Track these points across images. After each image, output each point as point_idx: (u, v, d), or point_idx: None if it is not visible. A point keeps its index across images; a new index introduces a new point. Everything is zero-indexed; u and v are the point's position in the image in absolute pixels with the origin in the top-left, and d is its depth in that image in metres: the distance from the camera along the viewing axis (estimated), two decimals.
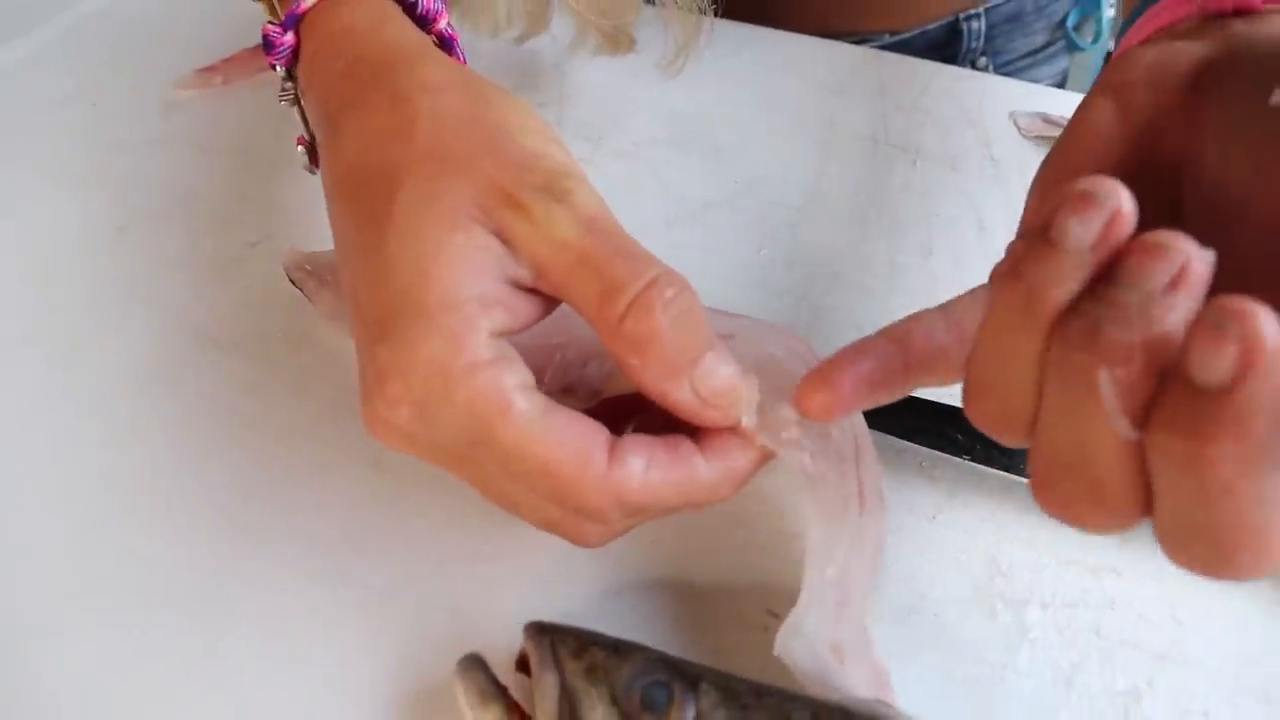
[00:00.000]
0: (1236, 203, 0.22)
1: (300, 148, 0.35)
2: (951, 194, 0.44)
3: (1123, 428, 0.18)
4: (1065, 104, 0.48)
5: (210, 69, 0.50)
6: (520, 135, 0.26)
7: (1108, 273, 0.18)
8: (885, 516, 0.27)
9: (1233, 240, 0.21)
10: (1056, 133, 0.34)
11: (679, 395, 0.24)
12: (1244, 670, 0.29)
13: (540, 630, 0.24)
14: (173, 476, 0.33)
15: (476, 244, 0.24)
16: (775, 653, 0.25)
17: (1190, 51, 0.24)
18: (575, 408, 0.24)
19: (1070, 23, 0.65)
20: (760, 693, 0.23)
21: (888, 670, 0.27)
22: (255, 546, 0.31)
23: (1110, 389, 0.18)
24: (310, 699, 0.28)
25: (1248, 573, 0.17)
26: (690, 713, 0.22)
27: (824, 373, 0.23)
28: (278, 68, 0.32)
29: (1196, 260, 0.17)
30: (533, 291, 0.25)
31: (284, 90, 0.33)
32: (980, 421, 0.22)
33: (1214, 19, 0.25)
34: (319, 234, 0.41)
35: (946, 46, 0.62)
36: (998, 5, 0.61)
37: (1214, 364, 0.16)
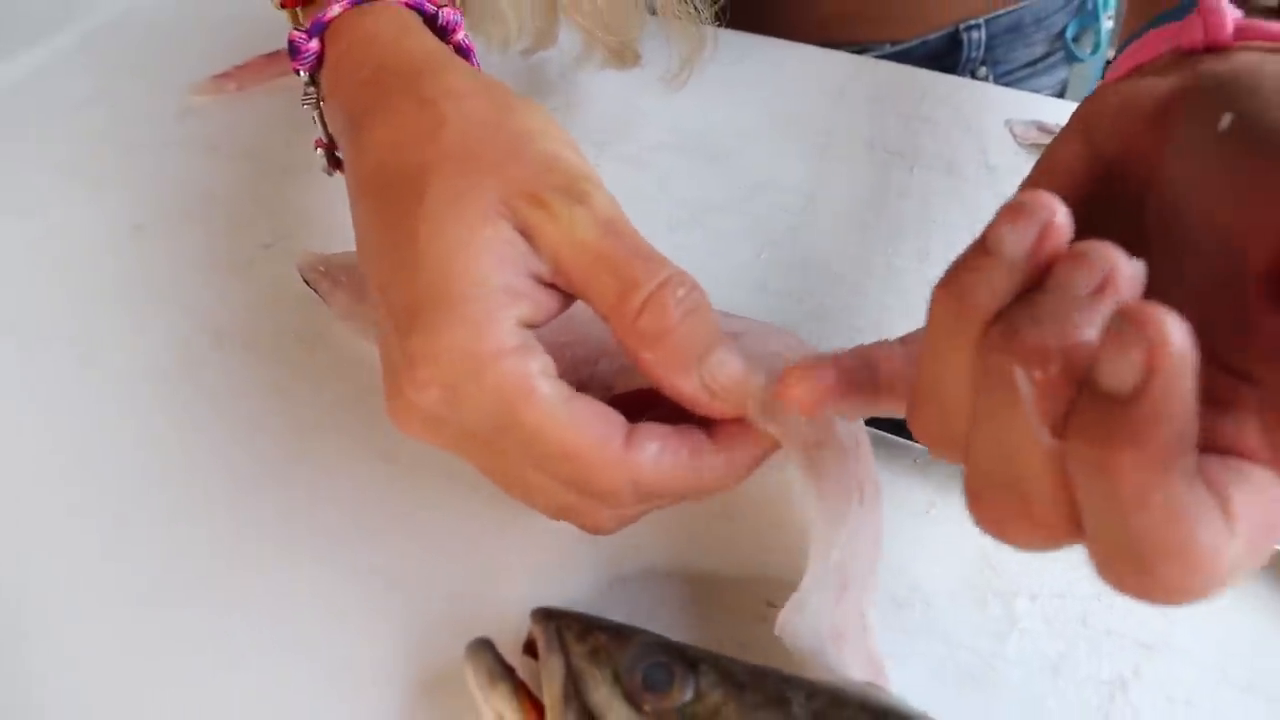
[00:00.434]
0: (1191, 228, 0.22)
1: (319, 151, 0.36)
2: (948, 200, 0.45)
3: (1043, 436, 0.17)
4: (1061, 113, 0.49)
5: (225, 75, 0.52)
6: (541, 140, 0.27)
7: (1037, 282, 0.18)
8: (881, 509, 0.28)
9: (1186, 265, 0.21)
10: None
11: (689, 387, 0.25)
12: (1228, 662, 0.30)
13: (547, 615, 0.25)
14: (189, 468, 0.34)
15: (503, 238, 0.25)
16: (776, 632, 0.26)
17: (1157, 86, 0.24)
18: None
19: (1069, 34, 0.66)
20: (756, 674, 0.24)
21: (882, 657, 0.28)
22: (271, 535, 0.32)
23: (1029, 391, 0.17)
24: (324, 681, 0.29)
25: (1179, 593, 0.17)
26: (690, 692, 0.23)
27: (808, 369, 0.24)
28: (302, 73, 0.33)
29: (1123, 269, 0.17)
30: (552, 286, 0.26)
31: (306, 95, 0.34)
32: (920, 434, 0.22)
33: (1186, 56, 0.25)
34: (331, 236, 0.42)
35: (947, 56, 0.63)
36: (997, 16, 0.62)
37: (1119, 369, 0.16)
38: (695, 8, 0.42)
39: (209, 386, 0.37)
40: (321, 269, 0.38)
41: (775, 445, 0.27)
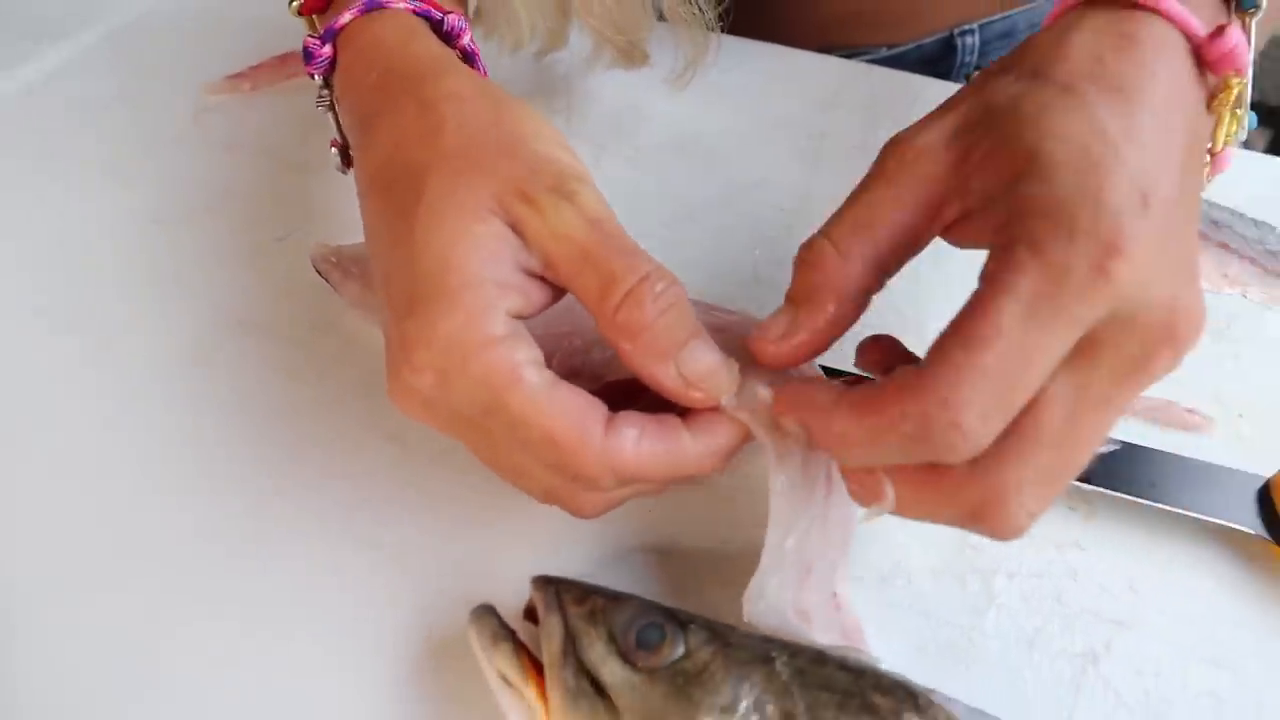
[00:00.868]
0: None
1: (333, 150, 0.37)
2: None
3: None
4: None
5: (239, 75, 0.53)
6: (534, 141, 0.29)
7: None
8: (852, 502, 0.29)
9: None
10: None
11: (665, 378, 0.26)
12: (1196, 637, 0.31)
13: (546, 581, 0.27)
14: (208, 447, 0.36)
15: (495, 234, 0.26)
16: (744, 619, 0.27)
17: (945, 122, 0.26)
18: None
19: None
20: (742, 634, 0.26)
21: (861, 627, 0.29)
22: (284, 511, 0.34)
23: None
24: (336, 645, 0.31)
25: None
26: (680, 649, 0.24)
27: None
28: (315, 76, 0.34)
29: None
30: (541, 280, 0.27)
31: (320, 97, 0.35)
32: None
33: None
34: (341, 229, 0.44)
35: (941, 60, 0.64)
36: (991, 22, 0.64)
37: None
38: (700, 9, 0.43)
39: (226, 369, 0.39)
40: (333, 260, 0.40)
41: (750, 433, 0.28)
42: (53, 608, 0.32)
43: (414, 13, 0.34)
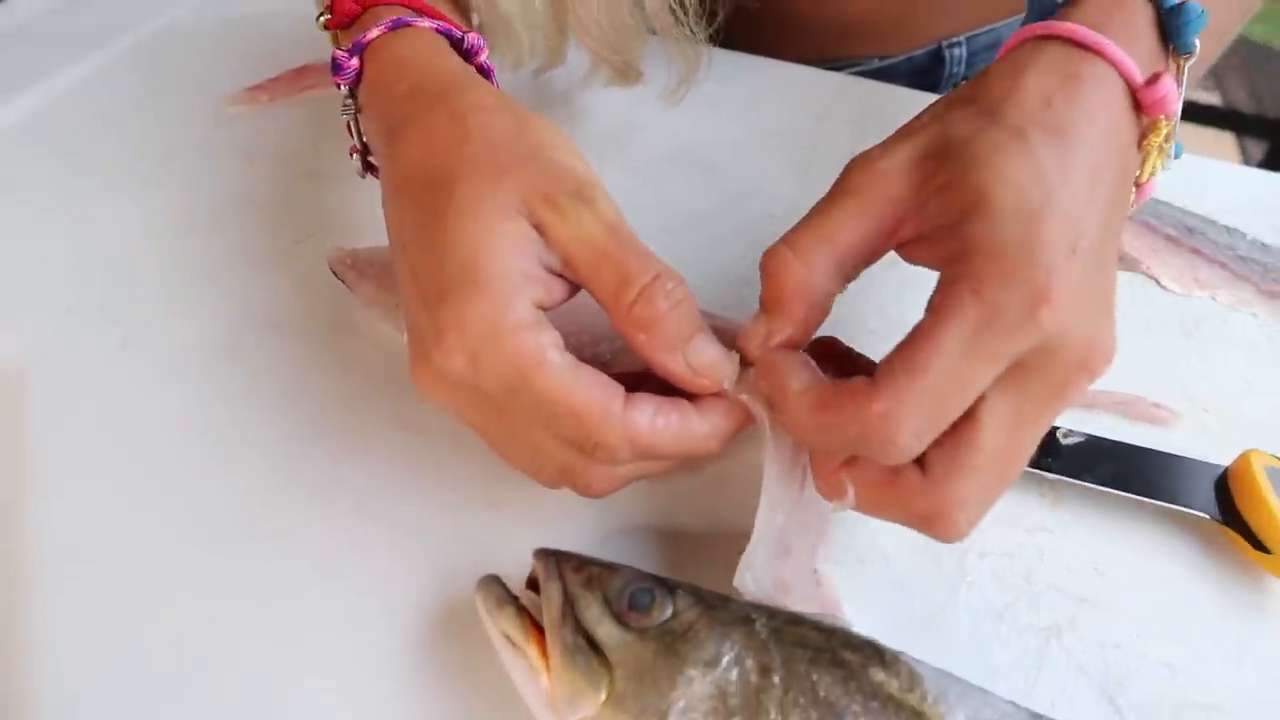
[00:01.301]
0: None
1: (354, 156, 0.39)
2: None
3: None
4: None
5: (258, 87, 0.56)
6: (553, 151, 0.31)
7: None
8: None
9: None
10: None
11: (674, 366, 0.29)
12: (1155, 614, 0.33)
13: (548, 553, 0.29)
14: (234, 436, 0.39)
15: (520, 232, 0.29)
16: (734, 584, 0.30)
17: (907, 147, 0.29)
18: None
19: None
20: (725, 599, 0.28)
21: (840, 602, 0.32)
22: (305, 493, 0.36)
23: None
24: (352, 616, 0.33)
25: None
26: (668, 611, 0.27)
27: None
28: (342, 87, 0.37)
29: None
30: (560, 277, 0.30)
31: (345, 106, 0.37)
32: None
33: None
34: (356, 233, 0.46)
35: (930, 71, 0.66)
36: (977, 34, 0.66)
37: None
38: (691, 30, 0.46)
39: (247, 365, 0.41)
40: (348, 262, 0.42)
41: (749, 417, 0.31)
42: (85, 579, 0.34)
43: (436, 31, 0.36)
